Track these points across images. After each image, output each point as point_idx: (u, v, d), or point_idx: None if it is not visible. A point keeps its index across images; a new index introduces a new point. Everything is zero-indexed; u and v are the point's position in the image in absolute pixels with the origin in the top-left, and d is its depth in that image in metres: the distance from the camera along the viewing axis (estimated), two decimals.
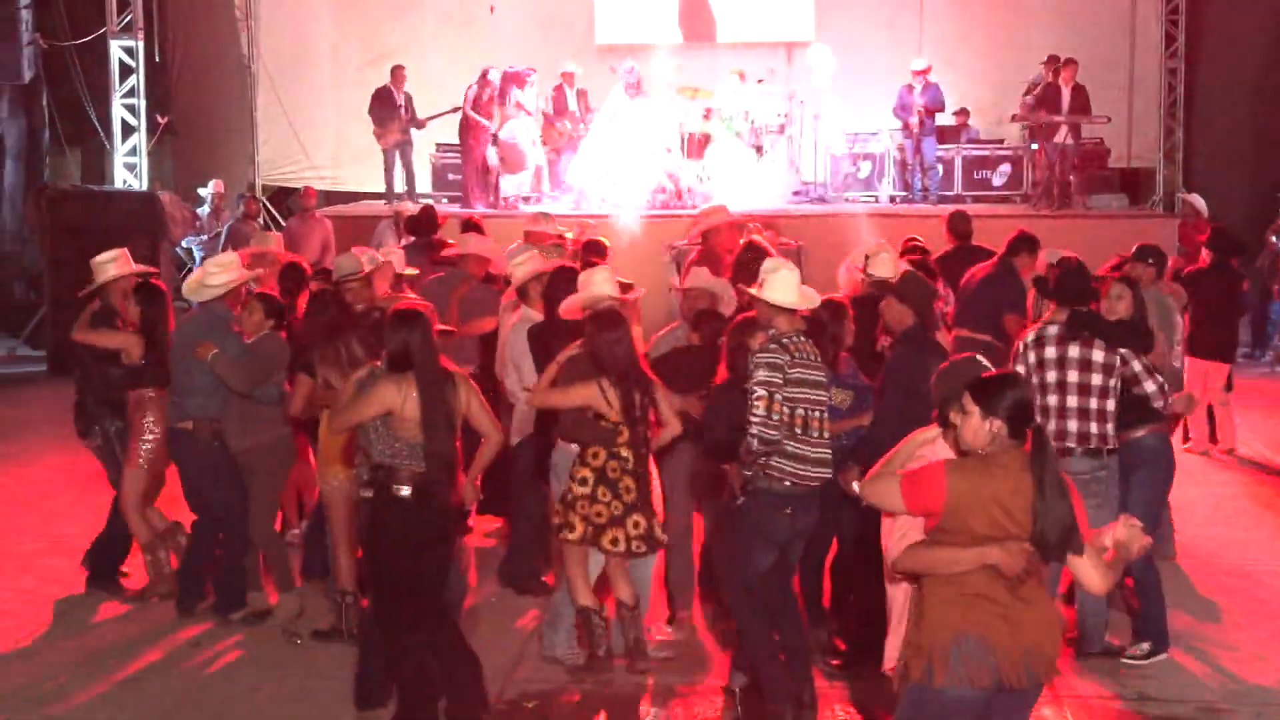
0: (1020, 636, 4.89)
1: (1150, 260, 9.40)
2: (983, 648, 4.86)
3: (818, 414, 6.83)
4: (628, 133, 17.87)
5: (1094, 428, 7.51)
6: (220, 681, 7.61)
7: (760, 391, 6.68)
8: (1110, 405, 7.53)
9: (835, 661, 7.61)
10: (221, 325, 8.33)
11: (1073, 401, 7.50)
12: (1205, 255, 11.91)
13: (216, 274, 8.44)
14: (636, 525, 7.40)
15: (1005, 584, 4.85)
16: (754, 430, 6.66)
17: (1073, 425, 7.50)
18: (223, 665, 7.84)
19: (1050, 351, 7.55)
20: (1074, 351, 7.51)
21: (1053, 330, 7.57)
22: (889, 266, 8.65)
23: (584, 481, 7.37)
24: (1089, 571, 4.91)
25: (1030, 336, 7.65)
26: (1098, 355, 7.50)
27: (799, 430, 6.77)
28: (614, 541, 7.37)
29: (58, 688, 7.51)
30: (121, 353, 8.68)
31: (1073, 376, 7.51)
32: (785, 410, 6.71)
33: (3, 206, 19.23)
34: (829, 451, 6.89)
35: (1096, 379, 7.50)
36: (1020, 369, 7.44)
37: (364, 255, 9.12)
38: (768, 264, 7.19)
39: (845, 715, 7.07)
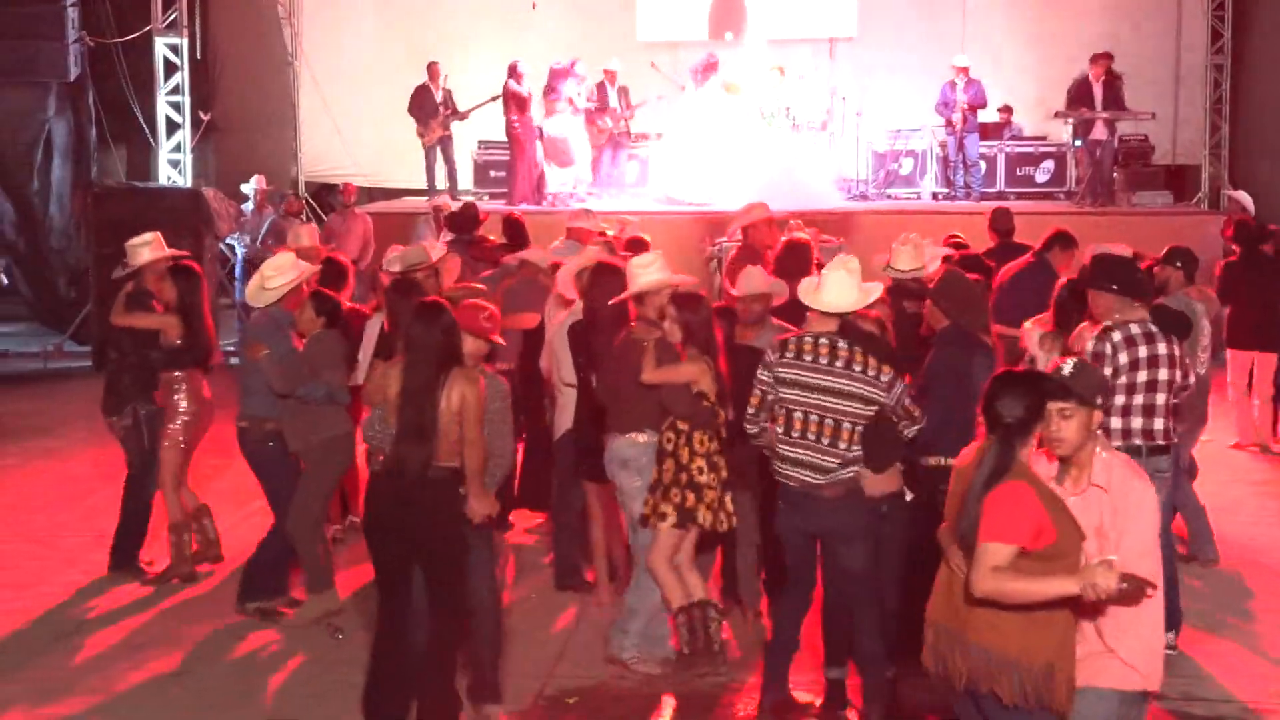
0: (952, 622, 4.95)
1: (1179, 264, 9.15)
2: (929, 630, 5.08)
3: (815, 418, 6.70)
4: (710, 123, 17.94)
5: (1173, 424, 7.38)
6: (266, 675, 7.66)
7: (753, 386, 6.90)
8: None
9: None
10: (277, 327, 8.40)
11: (1161, 399, 7.27)
12: (1235, 249, 11.85)
13: (273, 277, 8.47)
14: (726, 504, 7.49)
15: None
16: None
17: (1161, 424, 7.30)
18: (268, 658, 7.89)
19: (1143, 350, 7.22)
20: (1162, 348, 7.25)
21: (1136, 329, 7.23)
22: (911, 260, 8.58)
23: (701, 470, 7.36)
24: (971, 573, 4.75)
25: (1116, 336, 7.20)
26: (1177, 350, 7.35)
27: (780, 429, 6.82)
28: (717, 523, 7.44)
29: (105, 680, 7.58)
30: (160, 334, 8.83)
31: (1163, 374, 7.25)
32: (779, 410, 6.80)
33: (50, 203, 19.36)
34: (815, 455, 6.72)
35: (1178, 374, 7.33)
36: (1107, 370, 7.12)
37: (431, 247, 9.28)
38: (839, 265, 7.12)
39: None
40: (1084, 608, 4.80)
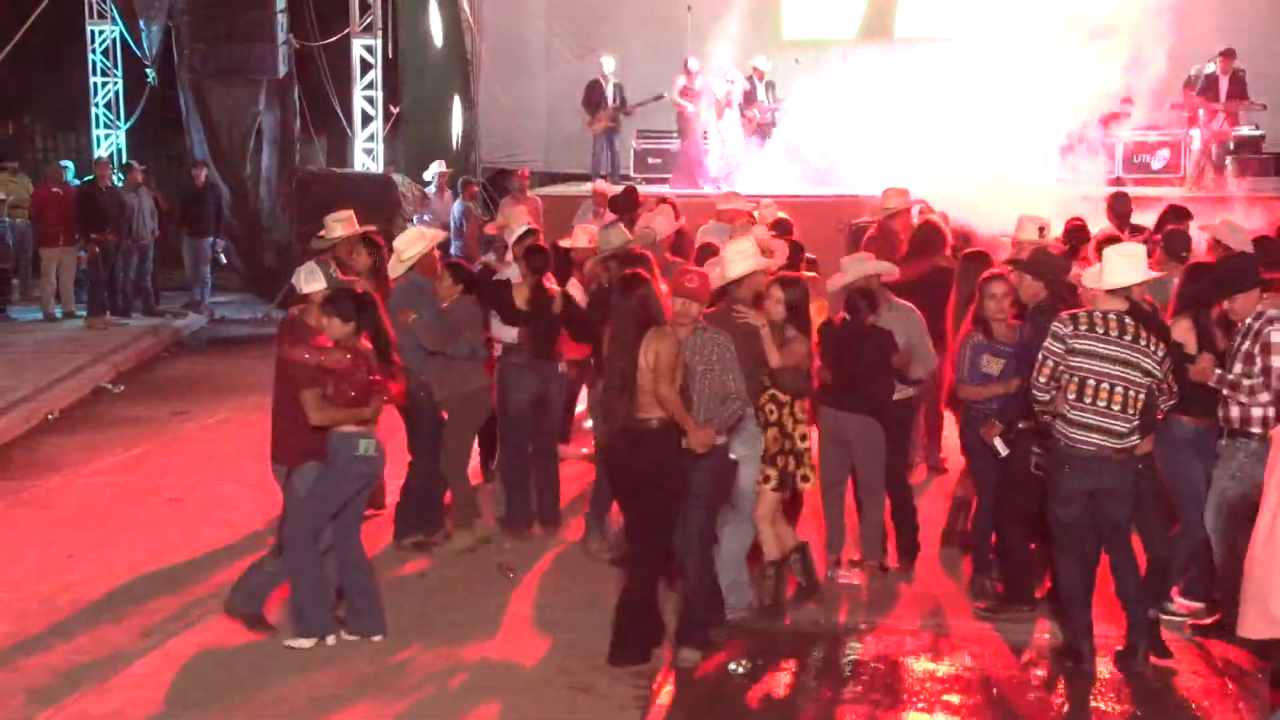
0: None
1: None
2: None
3: (1106, 386, 6.60)
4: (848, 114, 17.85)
5: None
6: (459, 608, 7.81)
7: (1040, 356, 6.75)
8: None
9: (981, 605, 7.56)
10: (418, 292, 8.61)
11: None
12: None
13: (405, 249, 8.70)
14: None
15: None
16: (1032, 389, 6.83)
17: None
18: (453, 594, 8.05)
19: None
20: None
21: None
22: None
23: (804, 437, 7.59)
24: None
25: None
26: None
27: (1072, 396, 6.66)
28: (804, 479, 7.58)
29: None
30: None
31: None
32: (1066, 377, 6.66)
33: (260, 187, 19.89)
34: (1108, 420, 6.63)
35: None
36: None
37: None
38: (1118, 247, 7.03)
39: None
40: None
